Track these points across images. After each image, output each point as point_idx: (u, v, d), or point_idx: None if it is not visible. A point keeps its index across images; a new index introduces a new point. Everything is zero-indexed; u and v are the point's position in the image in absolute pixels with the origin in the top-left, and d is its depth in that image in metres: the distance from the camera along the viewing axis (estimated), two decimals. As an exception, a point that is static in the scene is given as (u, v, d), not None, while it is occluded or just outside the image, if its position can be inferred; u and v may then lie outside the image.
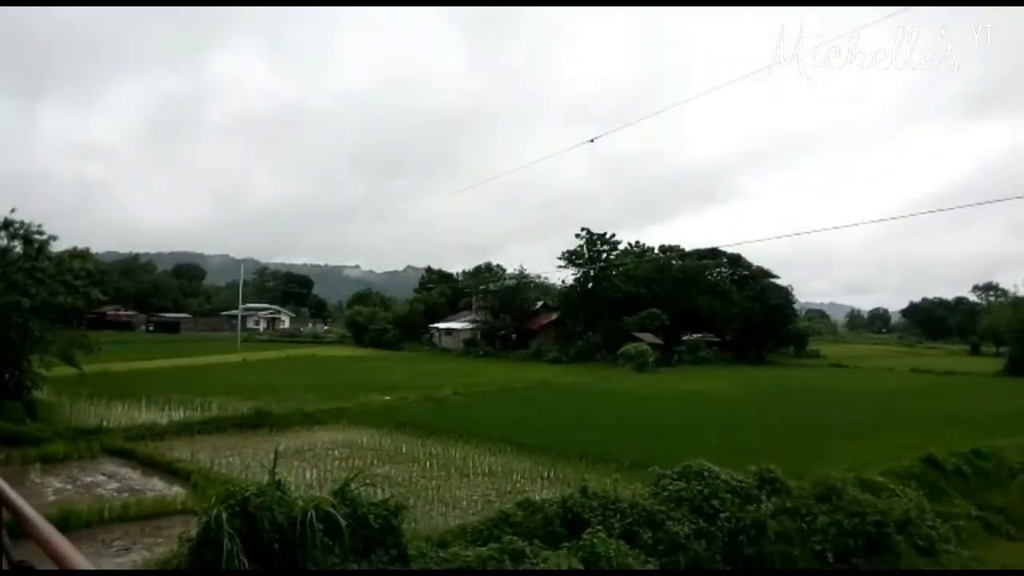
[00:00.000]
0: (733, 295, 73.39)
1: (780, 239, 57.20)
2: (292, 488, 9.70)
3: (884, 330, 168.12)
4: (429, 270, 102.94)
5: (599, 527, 11.79)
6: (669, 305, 68.60)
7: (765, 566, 12.90)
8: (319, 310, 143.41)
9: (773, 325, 73.17)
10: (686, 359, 63.77)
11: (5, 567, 2.69)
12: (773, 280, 77.85)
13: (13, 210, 28.97)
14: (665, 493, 13.85)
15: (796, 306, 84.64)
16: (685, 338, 68.14)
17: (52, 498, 15.17)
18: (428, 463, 19.29)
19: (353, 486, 9.68)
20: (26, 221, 28.99)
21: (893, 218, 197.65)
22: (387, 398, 30.73)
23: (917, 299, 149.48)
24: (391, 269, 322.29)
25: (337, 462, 18.91)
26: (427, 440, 22.30)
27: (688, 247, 78.24)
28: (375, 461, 19.06)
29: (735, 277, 78.59)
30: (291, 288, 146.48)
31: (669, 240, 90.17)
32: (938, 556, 13.77)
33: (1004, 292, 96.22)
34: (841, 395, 39.22)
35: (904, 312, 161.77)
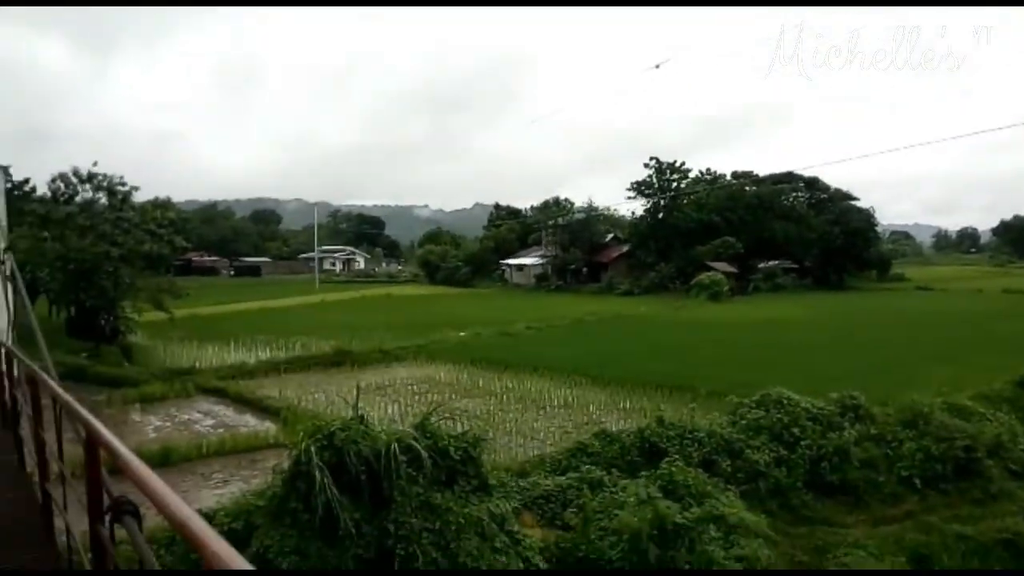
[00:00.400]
0: (811, 220, 70.54)
1: (860, 160, 54.19)
2: (375, 422, 9.95)
3: (973, 250, 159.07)
4: (497, 207, 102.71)
5: (676, 456, 11.81)
6: (743, 233, 66.59)
7: (849, 493, 12.72)
8: (392, 250, 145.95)
9: (854, 249, 70.06)
10: (762, 287, 62.12)
11: (107, 503, 2.83)
12: (853, 203, 74.27)
13: (95, 163, 30.29)
14: (743, 422, 13.75)
15: (878, 229, 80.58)
16: (761, 266, 66.21)
17: (153, 435, 16.02)
18: (504, 396, 19.61)
19: (433, 419, 9.87)
20: (108, 174, 30.38)
21: (981, 132, 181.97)
22: (461, 334, 31.14)
23: (1008, 217, 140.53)
24: (459, 207, 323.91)
25: (416, 397, 19.42)
26: (502, 374, 22.62)
27: (762, 173, 75.40)
28: (453, 395, 19.47)
29: (812, 201, 75.38)
30: (364, 229, 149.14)
31: (742, 166, 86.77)
32: (1033, 481, 13.25)
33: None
34: (928, 319, 37.56)
35: (995, 231, 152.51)
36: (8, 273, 10.63)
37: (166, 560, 7.98)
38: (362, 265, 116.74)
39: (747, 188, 72.86)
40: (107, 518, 2.78)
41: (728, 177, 76.74)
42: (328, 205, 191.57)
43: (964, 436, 13.39)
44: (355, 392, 12.41)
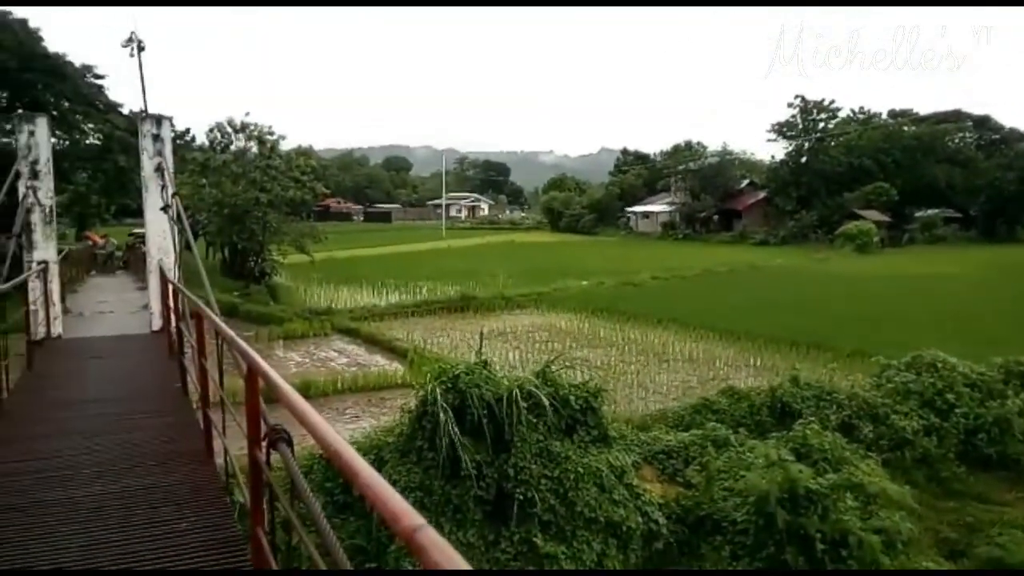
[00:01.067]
0: (979, 163, 64.07)
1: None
2: (497, 368, 10.12)
3: None
4: (624, 152, 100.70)
5: (812, 418, 11.28)
6: (899, 178, 61.64)
7: (1009, 467, 11.77)
8: (516, 197, 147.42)
9: (1030, 198, 63.12)
10: (919, 238, 57.54)
11: (264, 431, 3.08)
12: (1033, 144, 66.77)
13: (247, 113, 32.52)
14: (890, 385, 12.96)
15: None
16: (918, 215, 61.20)
17: (294, 370, 17.27)
18: (626, 348, 19.42)
19: (554, 368, 9.90)
20: (258, 123, 32.53)
21: None
22: (584, 283, 31.07)
23: None
24: (585, 153, 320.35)
25: (537, 344, 19.61)
26: (625, 325, 22.40)
27: (924, 112, 69.14)
28: (573, 344, 19.50)
29: (982, 143, 68.46)
30: (490, 176, 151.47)
31: (901, 104, 79.64)
32: None
33: None
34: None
35: None
36: (175, 216, 11.61)
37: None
38: (486, 212, 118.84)
39: (905, 128, 67.09)
40: (264, 444, 3.01)
41: (884, 116, 70.98)
42: (455, 152, 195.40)
43: None
44: (479, 337, 12.88)
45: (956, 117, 68.54)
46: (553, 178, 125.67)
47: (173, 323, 9.59)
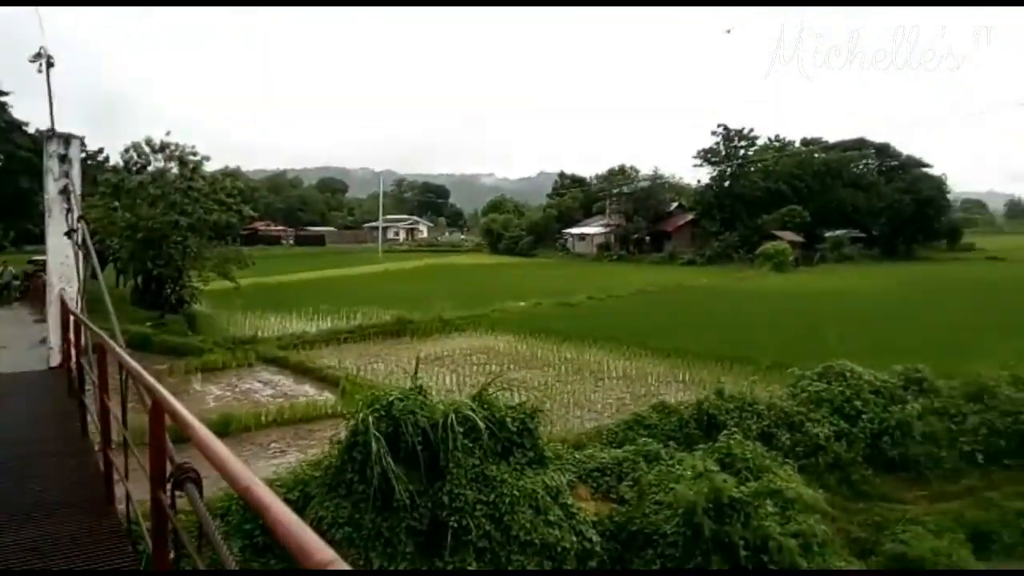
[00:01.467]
0: (880, 188, 67.38)
1: (933, 124, 51.26)
2: (433, 393, 9.97)
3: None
4: (562, 175, 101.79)
5: (735, 429, 11.64)
6: (811, 201, 64.26)
7: (909, 468, 12.35)
8: (456, 219, 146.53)
9: (924, 218, 66.56)
10: (829, 257, 59.94)
11: (170, 470, 2.85)
12: (925, 170, 70.56)
13: (168, 133, 30.73)
14: (804, 394, 13.45)
15: (950, 196, 76.36)
16: (828, 235, 63.83)
17: (213, 404, 16.09)
18: (563, 368, 19.50)
19: (491, 390, 9.85)
20: (180, 143, 30.26)
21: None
22: (522, 304, 30.99)
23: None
24: (525, 176, 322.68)
25: (475, 367, 19.38)
26: (562, 345, 22.47)
27: (832, 140, 72.33)
28: (511, 366, 19.36)
29: (883, 168, 71.99)
30: (429, 198, 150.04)
31: (812, 133, 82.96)
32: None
33: None
34: (998, 290, 35.59)
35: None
36: (79, 242, 10.45)
37: (222, 530, 7.97)
38: (425, 234, 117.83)
39: (816, 155, 70.05)
40: (169, 485, 2.77)
41: (797, 144, 73.94)
42: (394, 174, 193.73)
43: (1033, 411, 12.76)
44: (415, 362, 12.42)
45: (860, 145, 71.84)
46: (493, 200, 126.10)
47: (74, 358, 8.62)
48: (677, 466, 10.20)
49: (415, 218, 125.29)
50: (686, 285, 40.79)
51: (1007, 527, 10.71)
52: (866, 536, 10.24)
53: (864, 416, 12.87)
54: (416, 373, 10.29)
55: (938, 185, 69.31)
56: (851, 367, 13.89)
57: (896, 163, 71.43)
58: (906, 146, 75.04)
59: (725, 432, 11.45)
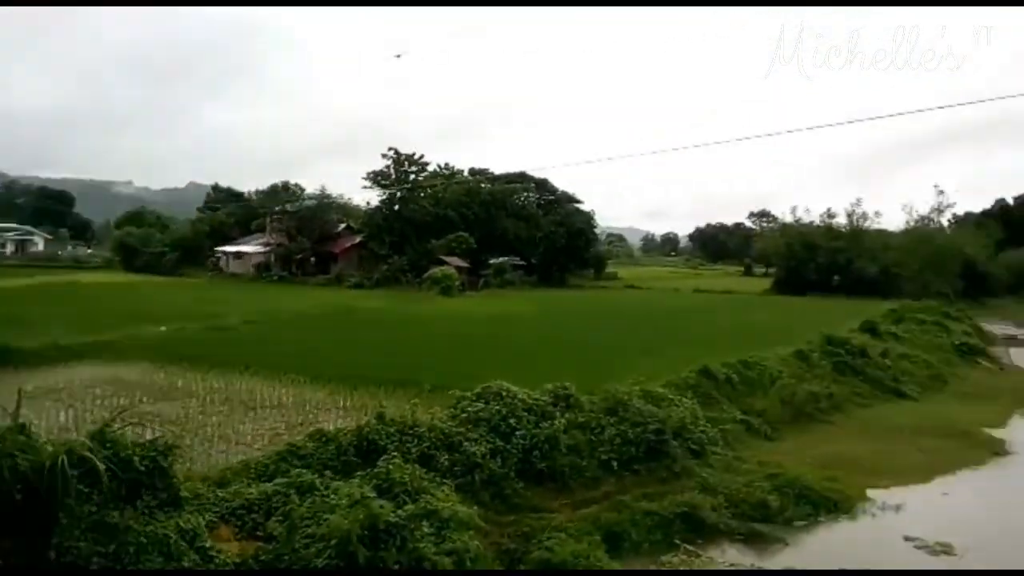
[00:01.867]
0: (539, 219, 76.15)
1: (584, 164, 59.81)
2: (41, 432, 9.35)
3: (673, 253, 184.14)
4: (216, 188, 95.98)
5: (395, 453, 11.88)
6: (477, 229, 69.81)
7: (557, 479, 13.75)
8: (82, 231, 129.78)
9: (575, 249, 77.30)
10: (492, 283, 65.59)
11: None
12: (577, 205, 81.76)
13: None
14: (464, 415, 14.23)
15: (597, 230, 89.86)
16: (492, 261, 69.86)
17: None
18: (208, 398, 18.41)
19: (115, 427, 9.22)
20: None
21: (683, 148, 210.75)
22: (163, 329, 28.78)
23: (703, 225, 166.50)
24: (171, 186, 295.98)
25: (98, 401, 17.49)
26: (208, 373, 21.19)
27: (498, 171, 79.68)
28: (145, 398, 17.85)
29: (542, 201, 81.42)
30: (47, 206, 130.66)
31: (479, 164, 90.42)
32: (706, 457, 15.52)
33: (774, 219, 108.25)
34: (634, 314, 42.60)
35: (691, 236, 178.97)
36: None
37: None
38: (42, 248, 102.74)
39: (483, 185, 76.36)
40: None
41: (465, 173, 79.74)
42: (3, 176, 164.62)
43: (655, 420, 15.22)
44: (17, 396, 10.74)
45: (522, 179, 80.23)
46: (130, 211, 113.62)
47: None
48: (332, 496, 10.08)
49: (28, 228, 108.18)
50: (353, 308, 41.22)
51: (636, 526, 12.51)
52: (516, 546, 11.14)
53: (518, 433, 14.06)
54: (18, 409, 9.13)
55: (587, 219, 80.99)
56: (507, 387, 15.12)
57: (552, 197, 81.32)
58: (561, 182, 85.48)
59: (385, 457, 11.64)
